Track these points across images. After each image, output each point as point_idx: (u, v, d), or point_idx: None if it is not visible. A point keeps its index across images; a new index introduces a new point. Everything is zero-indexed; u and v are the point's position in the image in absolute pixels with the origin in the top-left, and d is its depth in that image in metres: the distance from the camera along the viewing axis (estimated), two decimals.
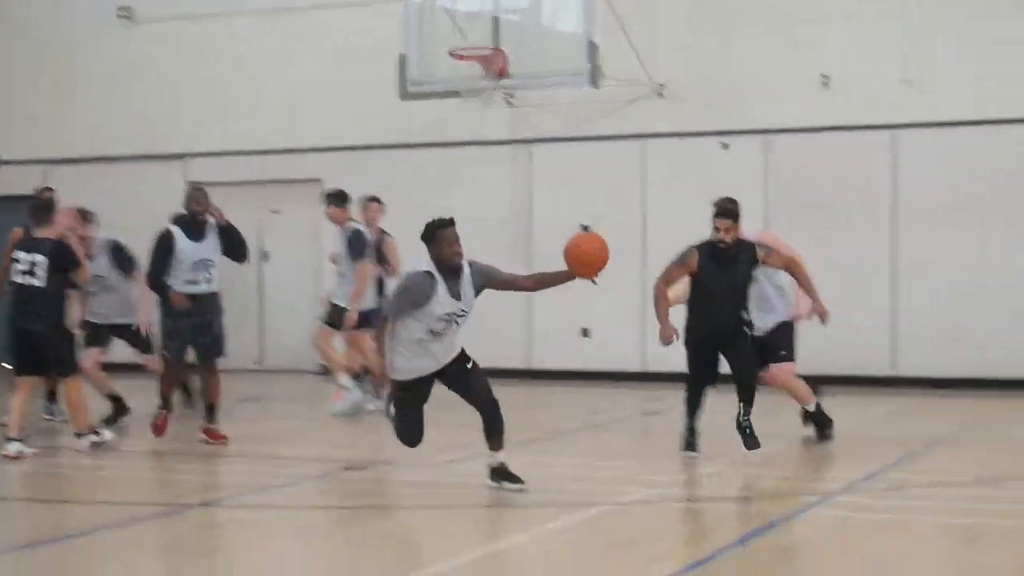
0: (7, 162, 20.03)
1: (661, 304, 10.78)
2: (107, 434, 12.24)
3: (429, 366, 9.61)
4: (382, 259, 14.94)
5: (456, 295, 9.42)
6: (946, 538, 8.20)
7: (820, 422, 11.80)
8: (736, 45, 16.42)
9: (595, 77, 15.39)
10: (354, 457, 11.86)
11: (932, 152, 15.80)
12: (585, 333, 17.13)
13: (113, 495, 10.43)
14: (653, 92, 16.61)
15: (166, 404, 12.53)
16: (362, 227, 14.46)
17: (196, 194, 12.37)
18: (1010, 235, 15.53)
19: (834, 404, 12.07)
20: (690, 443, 11.03)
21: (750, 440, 10.67)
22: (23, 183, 16.24)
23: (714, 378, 11.00)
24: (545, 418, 13.83)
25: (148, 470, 11.61)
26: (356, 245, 14.22)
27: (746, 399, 10.72)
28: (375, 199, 15.13)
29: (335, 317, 14.35)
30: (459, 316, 9.48)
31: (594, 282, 9.44)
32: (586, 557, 7.98)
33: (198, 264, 12.20)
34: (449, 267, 9.39)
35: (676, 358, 15.95)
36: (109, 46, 19.62)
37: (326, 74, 18.17)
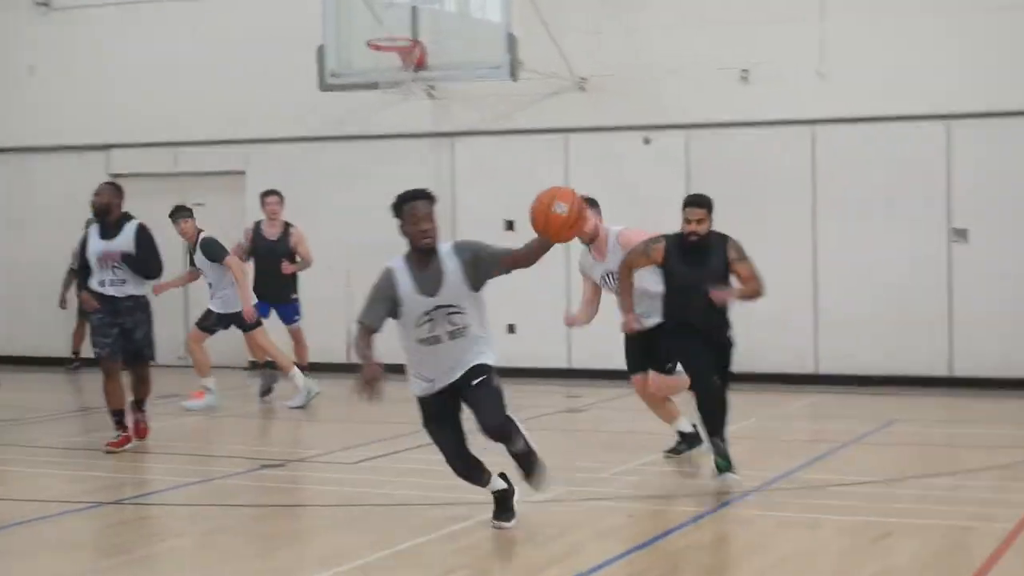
0: None
1: (625, 289, 9.93)
2: None
3: (438, 379, 8.05)
4: (291, 252, 14.86)
5: (429, 290, 7.84)
6: (854, 537, 8.23)
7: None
8: (656, 39, 16.40)
9: (514, 70, 15.34)
10: (273, 455, 11.79)
11: (850, 147, 15.86)
12: (511, 329, 17.08)
13: (22, 492, 10.31)
14: (574, 86, 16.60)
15: (120, 422, 11.79)
16: (211, 234, 14.41)
17: (99, 187, 11.90)
18: (926, 231, 15.62)
19: (755, 402, 12.08)
20: (721, 464, 9.65)
21: (727, 465, 9.59)
22: None
23: (710, 368, 9.70)
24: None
25: (64, 466, 11.47)
26: (213, 252, 14.15)
27: (715, 428, 9.63)
28: (273, 192, 15.05)
29: (207, 321, 14.34)
30: (449, 313, 7.88)
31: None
32: (489, 556, 7.96)
33: (103, 263, 11.63)
34: (419, 251, 7.90)
35: (601, 354, 16.07)
36: (27, 33, 19.37)
37: (247, 64, 18.00)
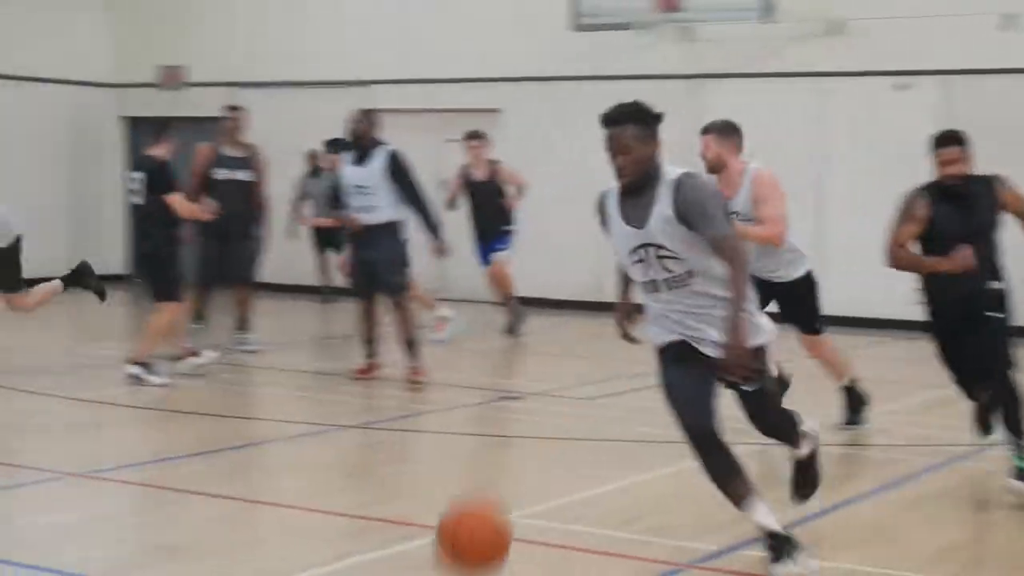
0: (195, 84, 20.54)
1: (915, 264, 8.23)
2: (154, 379, 11.48)
3: (666, 330, 6.37)
4: (500, 189, 14.92)
5: (635, 220, 6.25)
6: None
7: (855, 400, 9.90)
8: None
9: (766, 13, 15.12)
10: (513, 387, 12.01)
11: None
12: None
13: (273, 413, 10.79)
14: (829, 30, 16.28)
15: (369, 351, 12.01)
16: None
17: (354, 113, 12.01)
18: None
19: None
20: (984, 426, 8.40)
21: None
22: (211, 105, 16.58)
23: (976, 370, 8.19)
24: None
25: (313, 390, 11.90)
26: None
27: (1001, 401, 8.05)
28: (474, 135, 15.13)
29: None
30: (660, 256, 6.20)
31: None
32: (712, 496, 7.96)
33: (355, 190, 11.75)
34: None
35: (857, 299, 15.87)
36: None
37: (501, 3, 18.21)
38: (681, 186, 6.13)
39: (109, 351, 12.91)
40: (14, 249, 11.52)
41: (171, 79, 20.79)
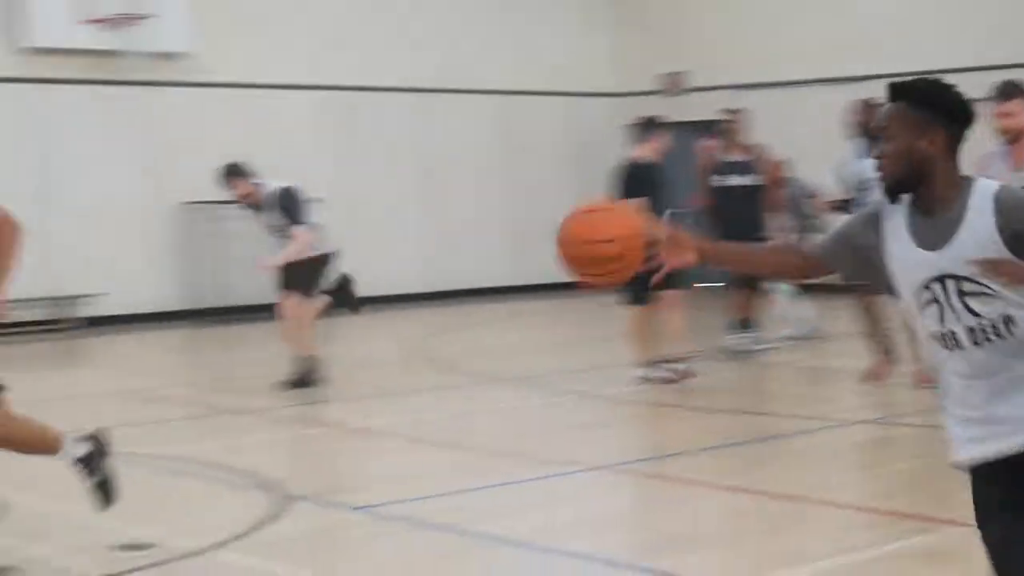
0: (696, 89, 21.02)
1: None
2: (661, 375, 11.69)
3: (978, 428, 4.07)
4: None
5: (930, 241, 4.06)
6: None
7: None
8: None
9: None
10: None
11: None
12: None
13: (787, 408, 11.07)
14: None
15: (879, 347, 11.49)
16: None
17: (858, 105, 11.59)
18: None
19: None
20: None
21: None
22: (710, 108, 16.94)
23: None
24: None
25: (822, 386, 12.07)
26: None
27: None
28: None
29: None
30: (965, 292, 4.01)
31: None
32: None
33: (862, 184, 11.16)
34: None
35: None
36: None
37: None
38: (1005, 197, 4.03)
39: (619, 351, 13.43)
40: (324, 260, 12.25)
41: (674, 85, 21.37)
